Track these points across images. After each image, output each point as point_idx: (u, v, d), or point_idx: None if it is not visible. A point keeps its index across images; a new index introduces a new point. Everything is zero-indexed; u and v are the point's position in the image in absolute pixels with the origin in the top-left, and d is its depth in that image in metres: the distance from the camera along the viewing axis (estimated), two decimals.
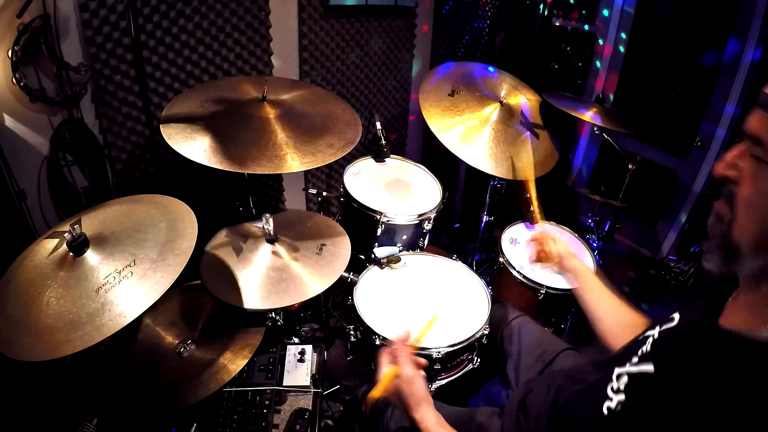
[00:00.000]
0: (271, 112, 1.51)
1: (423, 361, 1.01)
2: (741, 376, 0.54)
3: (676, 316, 0.74)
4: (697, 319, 0.68)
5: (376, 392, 0.95)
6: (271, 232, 1.40)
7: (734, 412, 0.53)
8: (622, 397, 0.67)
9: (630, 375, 0.69)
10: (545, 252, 1.28)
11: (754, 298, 0.60)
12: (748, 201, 0.59)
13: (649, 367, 0.67)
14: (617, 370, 0.72)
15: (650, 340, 0.73)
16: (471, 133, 1.78)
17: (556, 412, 0.87)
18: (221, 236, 1.48)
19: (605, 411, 0.69)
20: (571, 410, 0.82)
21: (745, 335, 0.57)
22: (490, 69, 2.07)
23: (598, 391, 0.72)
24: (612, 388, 0.70)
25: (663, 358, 0.67)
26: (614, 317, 1.07)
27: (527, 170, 1.63)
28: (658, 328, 0.75)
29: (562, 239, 1.29)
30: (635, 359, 0.72)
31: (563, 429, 0.84)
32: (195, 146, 1.33)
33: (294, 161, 1.37)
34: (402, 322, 1.41)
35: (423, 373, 0.99)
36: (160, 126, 1.38)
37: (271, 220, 1.38)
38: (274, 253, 1.41)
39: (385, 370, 0.97)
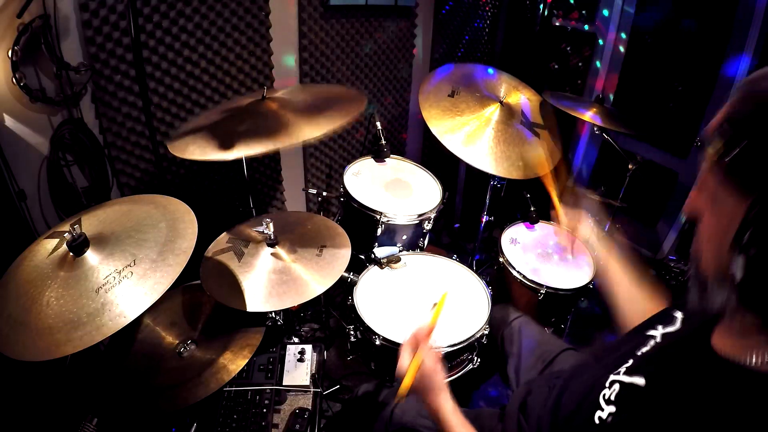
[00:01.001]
0: (273, 105, 1.52)
1: (441, 352, 1.00)
2: (728, 401, 0.54)
3: (679, 316, 0.74)
4: (692, 332, 0.67)
5: (404, 390, 0.92)
6: (272, 236, 1.40)
7: None
8: (612, 408, 0.68)
9: (622, 384, 0.69)
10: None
11: (732, 327, 0.60)
12: (706, 235, 0.60)
13: (640, 381, 0.67)
14: (612, 377, 0.72)
15: (652, 342, 0.73)
16: (473, 135, 1.78)
17: (558, 414, 0.87)
18: (222, 241, 1.48)
19: (596, 420, 0.69)
20: (571, 415, 0.82)
21: (732, 360, 0.57)
22: (490, 71, 2.06)
23: (592, 398, 0.72)
24: (604, 397, 0.70)
25: (654, 372, 0.67)
26: (631, 305, 1.06)
27: (544, 165, 1.62)
28: (661, 329, 0.74)
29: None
30: (631, 361, 0.72)
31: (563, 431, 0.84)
32: (207, 149, 1.34)
33: (307, 131, 1.39)
34: (402, 322, 1.41)
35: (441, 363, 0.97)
36: (170, 148, 1.39)
37: (271, 224, 1.38)
38: (275, 255, 1.40)
39: (407, 364, 0.94)
